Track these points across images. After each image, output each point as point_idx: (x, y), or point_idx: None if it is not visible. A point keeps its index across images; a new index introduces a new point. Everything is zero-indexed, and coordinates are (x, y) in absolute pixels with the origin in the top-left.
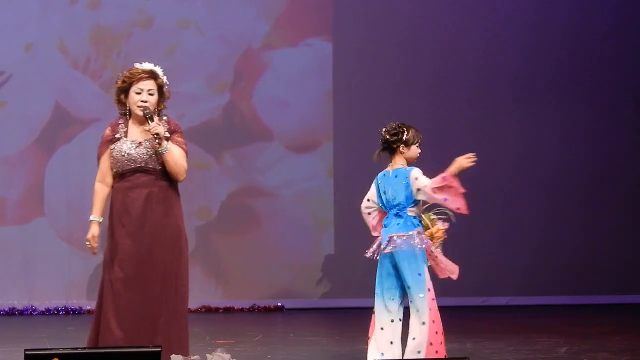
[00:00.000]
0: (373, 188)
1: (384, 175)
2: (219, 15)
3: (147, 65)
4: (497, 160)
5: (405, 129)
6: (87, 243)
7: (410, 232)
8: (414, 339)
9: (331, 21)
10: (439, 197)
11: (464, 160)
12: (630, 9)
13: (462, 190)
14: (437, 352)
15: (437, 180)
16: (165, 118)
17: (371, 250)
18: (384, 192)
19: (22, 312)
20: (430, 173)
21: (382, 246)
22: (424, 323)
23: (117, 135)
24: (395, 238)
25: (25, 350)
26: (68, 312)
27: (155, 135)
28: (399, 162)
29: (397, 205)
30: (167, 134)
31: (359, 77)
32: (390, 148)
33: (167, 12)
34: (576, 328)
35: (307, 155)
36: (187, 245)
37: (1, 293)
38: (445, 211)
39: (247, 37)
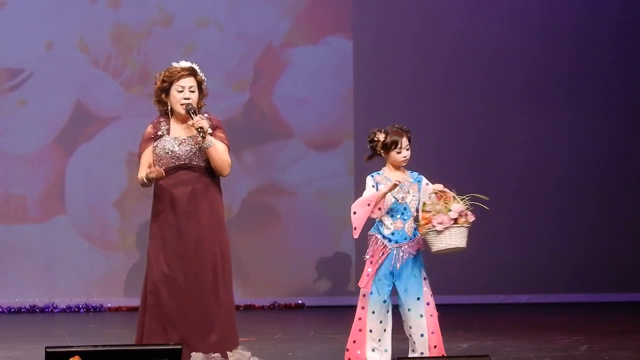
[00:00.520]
0: None
1: None
2: (238, 13)
3: (185, 63)
4: (518, 158)
5: (377, 136)
6: (150, 171)
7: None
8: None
9: (351, 19)
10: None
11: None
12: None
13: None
14: None
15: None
16: (206, 115)
17: None
18: None
19: (42, 310)
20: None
21: None
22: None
23: (160, 133)
24: None
25: (46, 347)
26: (89, 309)
27: (199, 129)
28: (386, 164)
29: None
30: (210, 130)
31: (379, 75)
32: (375, 153)
33: (187, 10)
34: (597, 326)
35: (328, 153)
36: (229, 241)
37: (22, 291)
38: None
39: (268, 34)
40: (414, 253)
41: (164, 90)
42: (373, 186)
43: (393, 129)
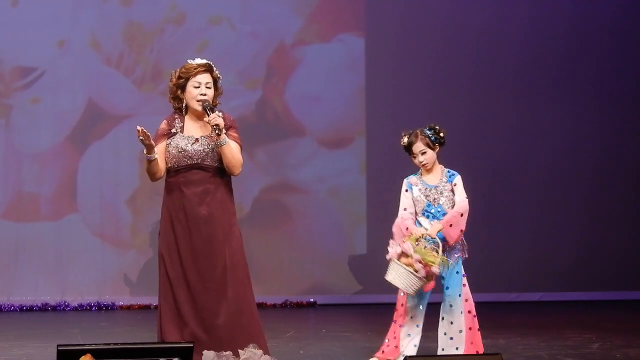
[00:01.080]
0: None
1: None
2: (251, 10)
3: (200, 60)
4: (530, 157)
5: (402, 139)
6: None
7: None
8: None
9: (364, 17)
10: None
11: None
12: None
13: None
14: None
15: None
16: (220, 114)
17: None
18: None
19: (55, 308)
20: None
21: None
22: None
23: (174, 130)
24: None
25: (58, 345)
26: (101, 307)
27: (215, 127)
28: None
29: None
30: (224, 130)
31: (391, 73)
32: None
33: (199, 8)
34: (609, 324)
35: (340, 151)
36: (242, 239)
37: (34, 289)
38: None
39: (280, 32)
40: (456, 253)
41: (180, 86)
42: (407, 190)
43: (412, 132)
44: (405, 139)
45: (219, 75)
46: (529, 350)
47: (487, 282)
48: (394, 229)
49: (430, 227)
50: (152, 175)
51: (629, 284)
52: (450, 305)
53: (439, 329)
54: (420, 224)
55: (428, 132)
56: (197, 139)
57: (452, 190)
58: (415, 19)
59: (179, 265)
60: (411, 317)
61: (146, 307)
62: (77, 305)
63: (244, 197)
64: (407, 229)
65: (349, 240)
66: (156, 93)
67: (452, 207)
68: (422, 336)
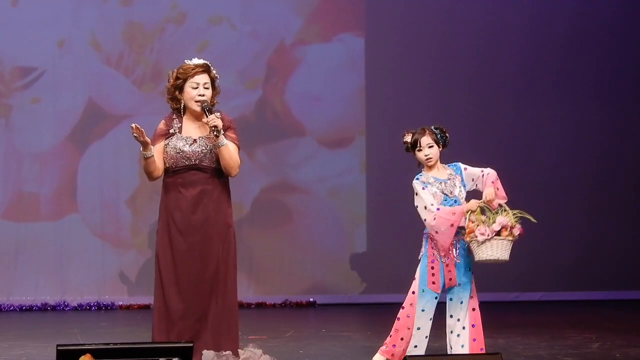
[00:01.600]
0: None
1: None
2: (251, 10)
3: (198, 60)
4: (530, 157)
5: (405, 137)
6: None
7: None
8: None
9: (364, 16)
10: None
11: (474, 204)
12: None
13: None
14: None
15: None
16: (218, 114)
17: None
18: None
19: (54, 308)
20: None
21: None
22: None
23: (172, 131)
24: None
25: (58, 345)
26: (100, 307)
27: (213, 128)
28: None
29: None
30: (222, 131)
31: (391, 72)
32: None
33: (199, 7)
34: (609, 324)
35: (340, 151)
36: (236, 241)
37: (34, 288)
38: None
39: (280, 32)
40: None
41: (178, 87)
42: (423, 188)
43: (418, 129)
44: (409, 137)
45: (216, 75)
46: (529, 349)
47: (487, 281)
48: (435, 222)
49: (485, 193)
50: (149, 174)
51: (629, 283)
52: (461, 302)
53: (447, 327)
54: None
55: (435, 130)
56: (195, 140)
57: (462, 181)
58: (415, 19)
59: (172, 266)
60: (418, 328)
61: (146, 307)
62: (76, 305)
63: (245, 196)
64: (453, 213)
65: (349, 240)
66: (156, 93)
67: (465, 197)
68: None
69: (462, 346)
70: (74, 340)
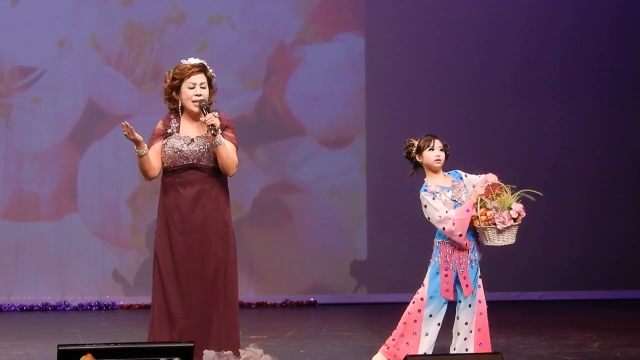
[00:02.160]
0: None
1: None
2: (251, 10)
3: (194, 60)
4: (530, 156)
5: (411, 141)
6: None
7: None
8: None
9: (364, 16)
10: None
11: (480, 189)
12: None
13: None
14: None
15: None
16: (216, 114)
17: None
18: None
19: (55, 308)
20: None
21: None
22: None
23: (169, 131)
24: None
25: (59, 345)
26: (101, 307)
27: (210, 127)
28: (426, 174)
29: None
30: (220, 130)
31: (391, 72)
32: (414, 163)
33: (199, 7)
34: (609, 323)
35: (340, 151)
36: (235, 241)
37: (35, 288)
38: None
39: (280, 32)
40: (479, 255)
41: (175, 87)
42: (434, 198)
43: (426, 135)
44: (417, 141)
45: (213, 74)
46: (530, 349)
47: (488, 281)
48: (455, 227)
49: (486, 177)
50: (145, 173)
51: (629, 282)
52: (469, 305)
53: (453, 329)
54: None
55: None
56: (192, 139)
57: (465, 187)
58: (416, 19)
59: (172, 265)
60: (426, 334)
61: (146, 307)
62: (77, 305)
63: (245, 196)
64: (467, 210)
65: (350, 240)
66: (156, 93)
67: None
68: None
69: (467, 350)
70: (74, 340)
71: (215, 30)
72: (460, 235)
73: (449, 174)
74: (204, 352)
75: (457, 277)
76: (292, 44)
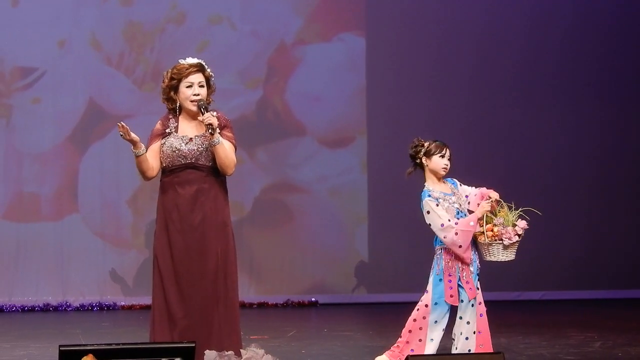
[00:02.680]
0: None
1: None
2: (251, 10)
3: (191, 60)
4: (531, 156)
5: (421, 142)
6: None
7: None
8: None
9: (364, 16)
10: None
11: (486, 205)
12: None
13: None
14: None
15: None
16: (214, 113)
17: None
18: None
19: (56, 308)
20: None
21: None
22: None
23: (168, 130)
24: None
25: (60, 346)
26: (102, 308)
27: (208, 126)
28: (427, 178)
29: None
30: (218, 130)
31: (392, 72)
32: (416, 163)
33: (199, 7)
34: (610, 322)
35: (341, 151)
36: (234, 241)
37: (36, 289)
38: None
39: (280, 32)
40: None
41: (173, 87)
42: (437, 204)
43: (436, 141)
44: (427, 143)
45: (211, 74)
46: (531, 348)
47: (489, 281)
48: (458, 237)
49: (489, 193)
50: (143, 173)
51: (630, 282)
52: (472, 306)
53: (455, 328)
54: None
55: None
56: (191, 139)
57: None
58: (416, 19)
59: (172, 266)
60: (431, 340)
61: (148, 307)
62: (78, 306)
63: (245, 196)
64: (471, 224)
65: (350, 240)
66: (157, 93)
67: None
68: None
69: (469, 350)
70: (76, 341)
71: (216, 30)
72: (461, 247)
73: (447, 181)
74: (205, 352)
75: (459, 281)
76: (293, 44)
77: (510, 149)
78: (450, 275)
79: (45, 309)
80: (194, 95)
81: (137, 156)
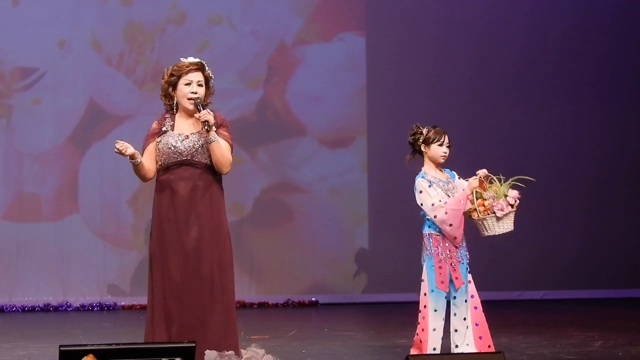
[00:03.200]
0: None
1: None
2: (251, 10)
3: (192, 59)
4: (531, 156)
5: (422, 128)
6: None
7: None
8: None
9: (364, 16)
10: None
11: (474, 181)
12: None
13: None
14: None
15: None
16: (211, 112)
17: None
18: None
19: (57, 308)
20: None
21: None
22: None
23: (164, 129)
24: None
25: (60, 346)
26: (102, 308)
27: (204, 123)
28: (425, 164)
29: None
30: (214, 128)
31: (392, 72)
32: (415, 150)
33: (199, 7)
34: (611, 322)
35: (341, 151)
36: (231, 239)
37: (36, 289)
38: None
39: (280, 32)
40: (466, 251)
41: (172, 84)
42: (430, 185)
43: (436, 127)
44: (426, 130)
45: (210, 75)
46: (532, 348)
47: (490, 280)
48: (447, 216)
49: (477, 172)
50: (142, 177)
51: (631, 281)
52: (465, 300)
53: (451, 326)
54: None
55: None
56: (187, 136)
57: (455, 187)
58: (416, 19)
59: (168, 265)
60: (434, 329)
61: None
62: (79, 306)
63: (246, 196)
64: (460, 201)
65: (351, 239)
66: (157, 93)
67: None
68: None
69: (467, 345)
70: (76, 341)
71: (216, 30)
72: (451, 225)
73: (445, 170)
74: (205, 352)
75: (448, 270)
76: (293, 44)
77: (510, 149)
78: (440, 262)
79: (46, 309)
80: (192, 93)
81: (135, 164)
